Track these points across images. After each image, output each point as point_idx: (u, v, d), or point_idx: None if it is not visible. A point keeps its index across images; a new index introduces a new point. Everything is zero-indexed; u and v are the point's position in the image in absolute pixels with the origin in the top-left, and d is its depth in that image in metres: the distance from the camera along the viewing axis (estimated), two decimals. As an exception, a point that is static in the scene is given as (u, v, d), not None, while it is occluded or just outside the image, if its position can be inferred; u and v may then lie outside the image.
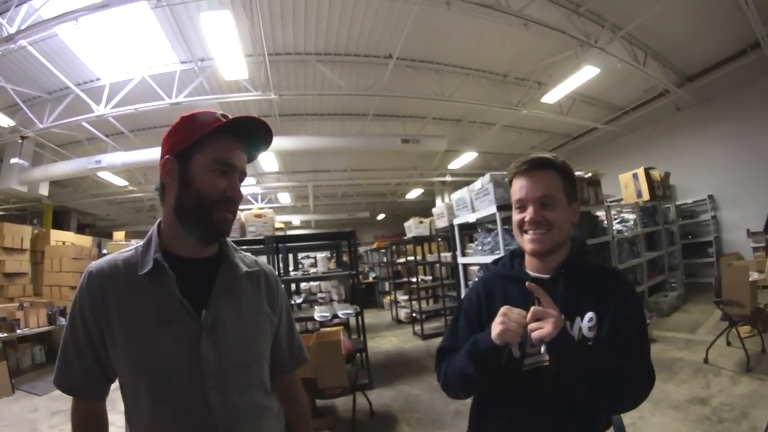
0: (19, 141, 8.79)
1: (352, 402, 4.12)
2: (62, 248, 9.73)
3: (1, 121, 8.03)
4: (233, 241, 1.33)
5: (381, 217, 23.03)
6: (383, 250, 14.36)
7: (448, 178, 15.39)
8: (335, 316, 5.43)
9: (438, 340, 1.34)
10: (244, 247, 1.36)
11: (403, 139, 9.79)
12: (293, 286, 7.34)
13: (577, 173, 6.04)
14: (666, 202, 8.48)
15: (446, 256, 8.48)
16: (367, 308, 5.92)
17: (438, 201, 17.01)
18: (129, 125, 9.57)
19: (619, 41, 7.36)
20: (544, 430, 1.28)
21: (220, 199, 1.13)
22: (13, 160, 9.05)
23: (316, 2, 6.43)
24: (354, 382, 4.18)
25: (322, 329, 5.20)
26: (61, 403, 5.47)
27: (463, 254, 6.34)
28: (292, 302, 6.55)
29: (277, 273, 1.52)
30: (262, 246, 5.62)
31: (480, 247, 5.57)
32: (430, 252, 10.97)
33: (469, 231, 6.69)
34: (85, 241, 11.51)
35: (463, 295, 1.47)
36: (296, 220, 20.01)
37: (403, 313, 10.32)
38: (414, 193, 18.05)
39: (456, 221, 6.07)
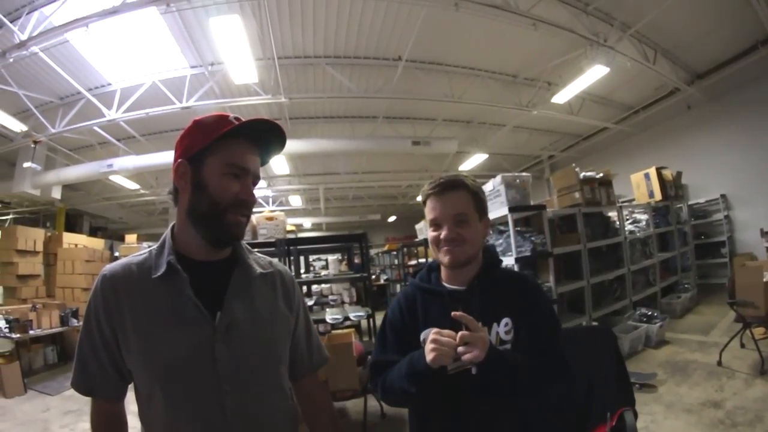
0: (32, 145, 8.87)
1: (364, 404, 4.12)
2: (75, 251, 9.84)
3: (14, 126, 8.13)
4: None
5: (392, 219, 22.98)
6: (394, 252, 14.34)
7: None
8: (347, 318, 5.42)
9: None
10: (256, 250, 1.36)
11: (414, 141, 9.76)
12: (305, 289, 7.32)
13: (588, 173, 6.07)
14: (678, 201, 8.41)
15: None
16: (378, 310, 5.86)
17: (449, 203, 16.88)
18: (140, 129, 9.65)
19: (629, 39, 7.30)
20: (478, 423, 1.37)
21: (233, 203, 1.14)
22: (26, 164, 9.13)
23: (325, 5, 6.42)
24: (365, 384, 4.16)
25: (334, 331, 5.21)
26: (73, 402, 5.56)
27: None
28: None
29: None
30: (273, 249, 5.61)
31: (491, 249, 5.53)
32: (443, 254, 10.90)
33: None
34: (98, 243, 11.64)
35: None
36: (307, 222, 20.06)
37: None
38: (425, 196, 17.92)
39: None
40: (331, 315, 5.43)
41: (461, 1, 5.80)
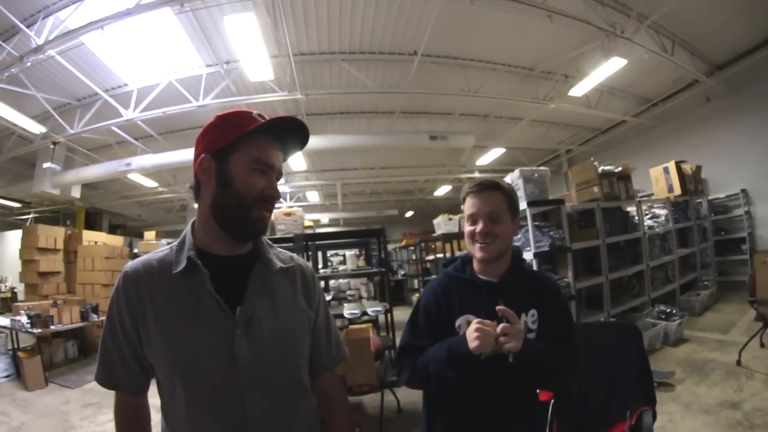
0: (51, 147, 9.03)
1: (380, 399, 4.11)
2: (94, 248, 9.96)
3: (34, 128, 8.30)
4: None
5: (409, 214, 22.91)
6: (412, 248, 14.33)
7: (477, 175, 15.04)
8: (364, 313, 5.44)
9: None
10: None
11: (431, 136, 9.70)
12: (322, 284, 7.29)
13: (607, 167, 6.00)
14: (698, 196, 8.23)
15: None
16: (396, 305, 5.88)
17: (467, 198, 16.80)
18: (157, 128, 9.75)
19: (646, 30, 7.16)
20: (497, 410, 1.54)
21: (259, 198, 1.14)
22: (46, 165, 9.29)
23: (339, 1, 6.41)
24: (382, 379, 4.18)
25: (351, 326, 5.21)
26: (92, 395, 5.68)
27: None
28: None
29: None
30: (291, 244, 5.63)
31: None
32: (459, 249, 10.86)
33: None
34: (117, 240, 11.79)
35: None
36: (325, 218, 20.07)
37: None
38: (442, 190, 17.90)
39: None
40: (348, 310, 5.46)
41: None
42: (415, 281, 13.25)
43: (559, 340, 1.56)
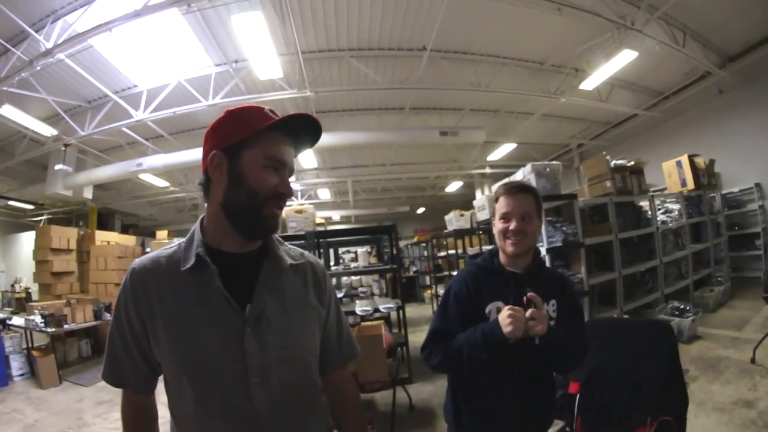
0: (63, 149, 9.13)
1: (392, 396, 4.10)
2: (107, 248, 10.06)
3: (45, 131, 8.42)
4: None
5: (421, 210, 22.90)
6: (423, 244, 14.33)
7: (488, 170, 15.21)
8: (376, 310, 5.42)
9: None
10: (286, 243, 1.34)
11: (441, 132, 9.67)
12: (334, 281, 7.32)
13: (619, 162, 5.94)
14: (711, 191, 8.09)
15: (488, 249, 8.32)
16: (408, 302, 5.88)
17: (478, 193, 16.84)
18: (168, 128, 9.83)
19: (657, 22, 7.06)
20: (518, 393, 1.69)
21: (271, 195, 1.13)
22: (58, 167, 9.40)
23: (346, -2, 6.40)
24: (394, 376, 4.17)
25: (363, 323, 5.21)
26: (105, 393, 5.73)
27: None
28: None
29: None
30: (303, 241, 5.64)
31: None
32: (471, 245, 10.84)
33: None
34: (129, 240, 11.89)
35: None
36: (336, 215, 20.11)
37: (444, 307, 10.13)
38: (453, 186, 17.91)
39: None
40: (360, 307, 5.44)
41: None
42: (427, 278, 13.25)
43: (576, 330, 1.71)
